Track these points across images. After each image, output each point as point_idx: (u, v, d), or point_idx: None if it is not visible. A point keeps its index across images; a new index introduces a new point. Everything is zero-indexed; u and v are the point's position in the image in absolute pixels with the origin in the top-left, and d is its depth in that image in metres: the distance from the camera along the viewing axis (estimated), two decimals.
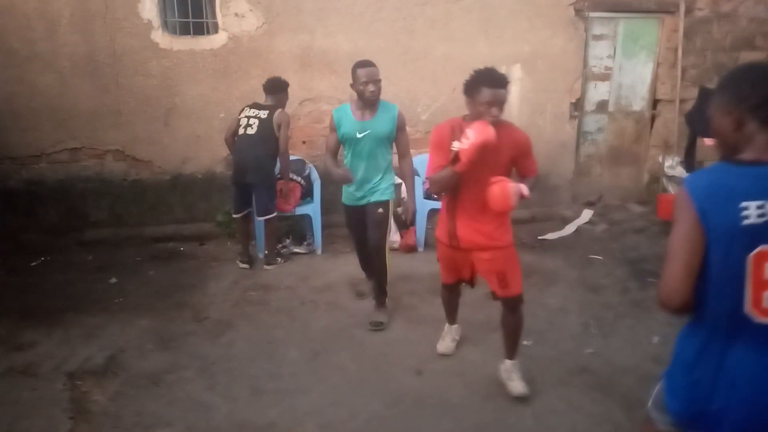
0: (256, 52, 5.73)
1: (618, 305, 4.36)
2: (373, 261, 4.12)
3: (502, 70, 6.11)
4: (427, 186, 5.66)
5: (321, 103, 5.95)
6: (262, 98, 5.06)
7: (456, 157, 2.77)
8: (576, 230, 6.12)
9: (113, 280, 4.88)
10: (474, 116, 2.84)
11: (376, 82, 3.76)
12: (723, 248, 1.54)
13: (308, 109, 5.94)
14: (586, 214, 6.41)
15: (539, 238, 5.84)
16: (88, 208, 5.85)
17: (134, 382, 3.41)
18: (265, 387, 3.34)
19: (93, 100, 5.66)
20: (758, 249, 1.51)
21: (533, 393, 3.22)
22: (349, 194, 4.04)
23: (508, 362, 3.28)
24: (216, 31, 5.74)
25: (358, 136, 3.84)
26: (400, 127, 3.94)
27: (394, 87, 6.02)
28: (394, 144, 4.03)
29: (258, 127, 4.86)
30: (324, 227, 5.56)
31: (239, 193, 5.07)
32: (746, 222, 1.50)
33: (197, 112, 5.81)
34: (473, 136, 2.67)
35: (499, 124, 2.80)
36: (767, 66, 1.71)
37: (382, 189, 3.97)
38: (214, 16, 5.74)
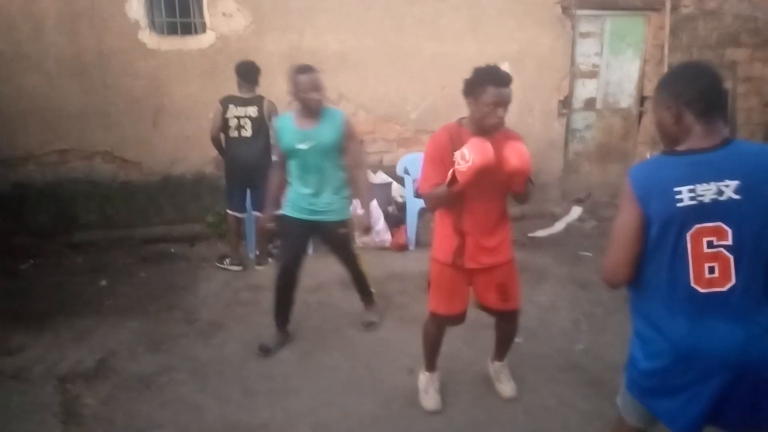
0: (245, 51, 5.70)
1: (608, 301, 4.38)
2: (350, 273, 3.95)
3: None
4: (417, 186, 5.68)
5: None
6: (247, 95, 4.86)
7: (453, 179, 2.55)
8: (565, 227, 6.15)
9: (104, 282, 4.85)
10: (476, 118, 2.64)
11: (320, 89, 3.44)
12: (664, 230, 1.71)
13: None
14: (576, 211, 6.44)
15: (529, 235, 5.87)
16: (77, 211, 5.81)
17: (125, 384, 3.39)
18: (257, 388, 3.34)
19: (81, 101, 5.63)
20: (695, 227, 1.69)
21: (524, 390, 3.24)
22: (298, 205, 3.63)
23: (497, 363, 3.28)
24: (204, 30, 5.73)
25: (301, 147, 3.47)
26: (348, 135, 3.60)
27: (384, 86, 6.04)
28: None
29: (252, 127, 4.75)
30: None
31: (242, 195, 4.99)
32: (680, 205, 1.69)
33: (186, 113, 5.79)
34: (471, 157, 2.43)
35: (500, 128, 2.66)
36: (700, 64, 1.92)
37: (338, 208, 3.66)
38: (201, 15, 5.73)
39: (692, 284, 1.70)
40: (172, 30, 5.74)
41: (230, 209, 5.07)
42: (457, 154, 2.49)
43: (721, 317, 1.70)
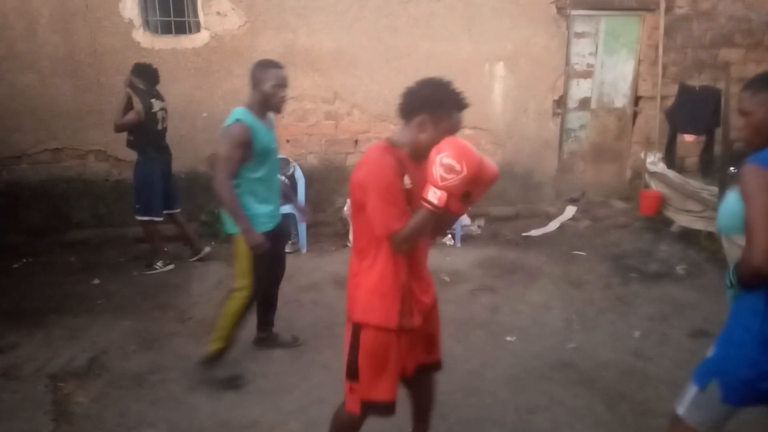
0: (239, 50, 5.71)
1: (600, 300, 4.40)
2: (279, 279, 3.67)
3: (485, 68, 6.26)
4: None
5: (304, 102, 5.95)
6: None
7: (432, 200, 1.95)
8: (559, 227, 6.16)
9: (96, 281, 4.85)
10: (425, 144, 2.06)
11: (286, 87, 3.21)
12: None
13: (292, 107, 5.92)
14: (570, 211, 6.45)
15: (523, 234, 5.88)
16: (70, 209, 5.80)
17: (117, 383, 3.39)
18: (249, 386, 3.34)
19: (74, 100, 5.62)
20: None
21: (515, 389, 3.25)
22: (268, 216, 3.26)
23: None
24: (198, 30, 5.72)
25: (273, 146, 3.28)
26: None
27: (378, 85, 6.03)
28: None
29: (167, 120, 5.01)
30: (308, 226, 5.55)
31: (164, 194, 5.02)
32: None
33: (180, 112, 5.76)
34: (462, 165, 1.91)
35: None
36: None
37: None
38: (196, 14, 5.72)
39: None
40: (166, 29, 5.74)
41: (157, 215, 5.00)
42: (439, 168, 1.92)
43: None
